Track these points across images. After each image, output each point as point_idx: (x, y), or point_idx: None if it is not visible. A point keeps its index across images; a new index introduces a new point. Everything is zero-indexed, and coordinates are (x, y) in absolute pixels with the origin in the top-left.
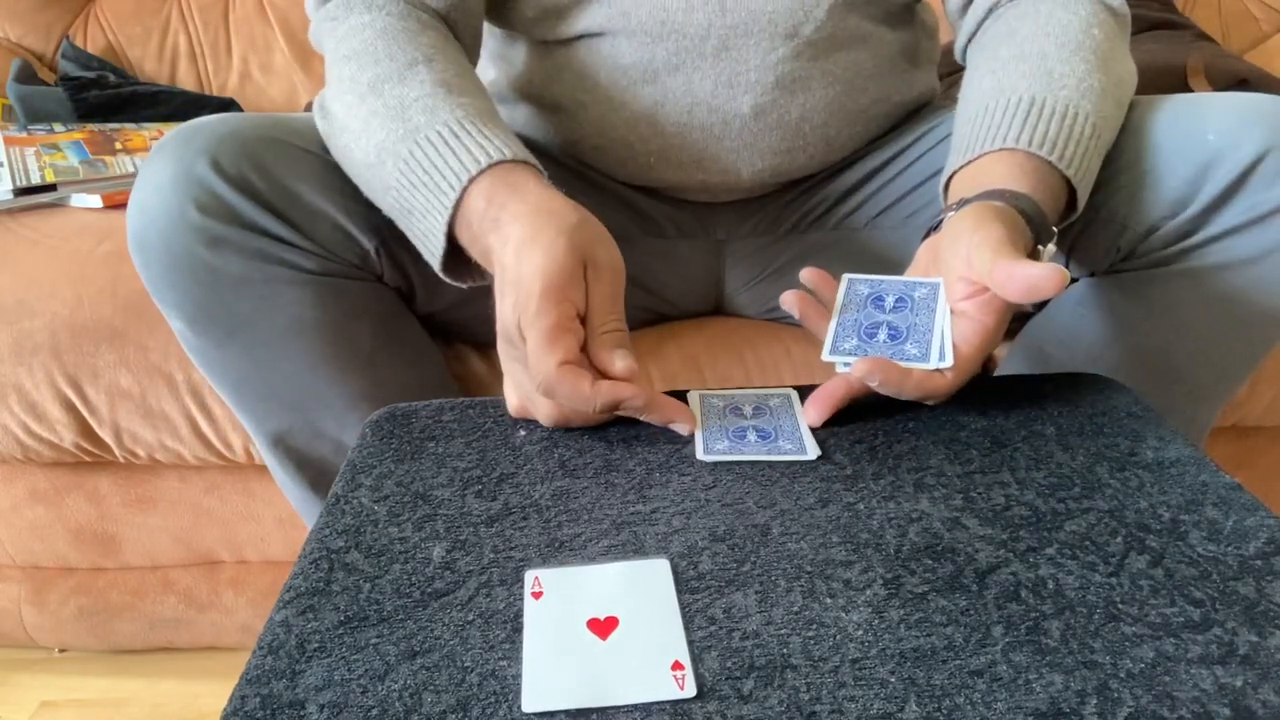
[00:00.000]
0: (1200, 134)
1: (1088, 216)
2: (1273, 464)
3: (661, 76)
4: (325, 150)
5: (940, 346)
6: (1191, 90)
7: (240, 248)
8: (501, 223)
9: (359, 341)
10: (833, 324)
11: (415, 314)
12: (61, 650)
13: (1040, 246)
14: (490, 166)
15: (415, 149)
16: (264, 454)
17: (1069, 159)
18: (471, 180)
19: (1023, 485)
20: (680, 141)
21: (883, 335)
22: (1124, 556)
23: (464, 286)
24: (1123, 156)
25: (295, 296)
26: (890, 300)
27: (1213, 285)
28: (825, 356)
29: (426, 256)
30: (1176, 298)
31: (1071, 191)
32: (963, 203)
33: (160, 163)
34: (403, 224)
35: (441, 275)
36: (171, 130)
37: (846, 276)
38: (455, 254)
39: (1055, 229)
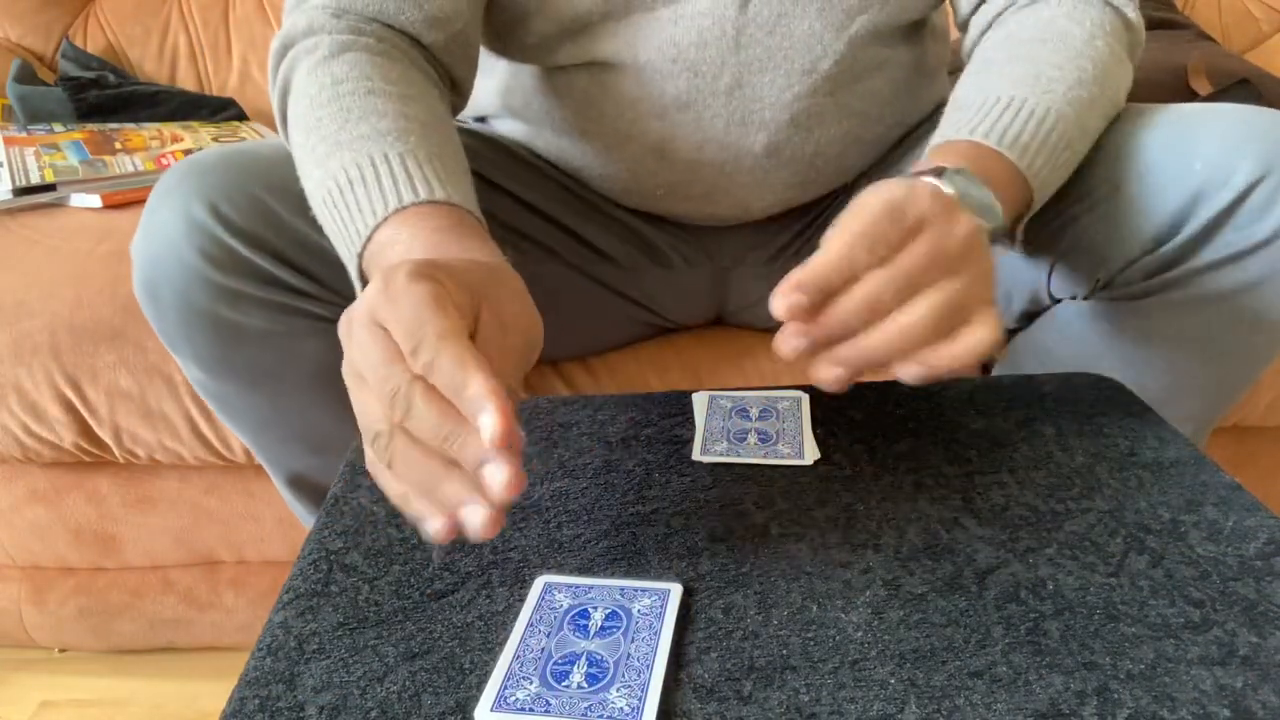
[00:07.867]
0: (1187, 163)
1: (1068, 243)
2: (1273, 464)
3: (671, 112)
4: None
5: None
6: (1192, 90)
7: (262, 303)
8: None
9: None
10: (699, 430)
11: None
12: (61, 650)
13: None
14: (399, 211)
15: (329, 194)
16: (281, 489)
17: (1025, 152)
18: (378, 226)
19: (1022, 485)
20: (690, 177)
21: (753, 439)
22: (1123, 557)
23: None
24: (1105, 184)
25: (320, 345)
26: (755, 411)
27: (1192, 318)
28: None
29: None
30: (1155, 329)
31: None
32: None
33: (167, 213)
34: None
35: None
36: (173, 171)
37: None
38: None
39: (1003, 220)
